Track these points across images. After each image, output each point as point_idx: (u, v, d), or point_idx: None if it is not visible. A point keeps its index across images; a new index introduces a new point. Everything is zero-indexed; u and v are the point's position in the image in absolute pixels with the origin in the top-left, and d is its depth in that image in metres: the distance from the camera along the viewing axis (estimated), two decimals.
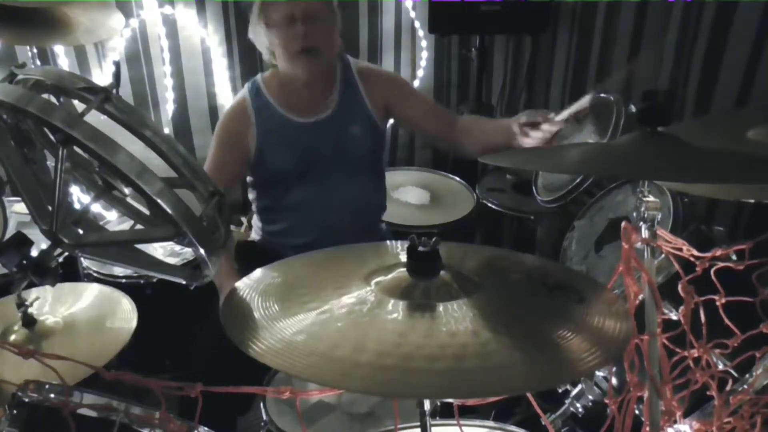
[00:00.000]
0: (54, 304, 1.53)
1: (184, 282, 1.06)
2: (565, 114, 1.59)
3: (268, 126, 1.83)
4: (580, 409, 1.40)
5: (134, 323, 1.47)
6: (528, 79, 3.14)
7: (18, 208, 2.11)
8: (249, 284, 0.97)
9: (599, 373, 1.38)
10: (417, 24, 3.05)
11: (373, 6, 2.96)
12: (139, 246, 1.15)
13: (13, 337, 1.42)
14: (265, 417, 1.39)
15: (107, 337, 1.45)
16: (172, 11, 2.74)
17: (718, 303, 1.02)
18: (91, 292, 1.61)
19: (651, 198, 1.00)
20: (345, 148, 1.87)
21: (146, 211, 1.11)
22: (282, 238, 1.93)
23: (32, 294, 1.44)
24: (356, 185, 1.91)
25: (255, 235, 2.03)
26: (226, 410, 1.58)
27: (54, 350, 1.35)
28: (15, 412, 0.92)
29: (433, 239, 0.91)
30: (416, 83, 3.17)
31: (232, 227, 1.89)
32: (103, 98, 0.89)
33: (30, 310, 1.43)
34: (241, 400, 1.72)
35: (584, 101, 1.57)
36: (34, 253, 0.92)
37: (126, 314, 1.52)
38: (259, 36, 1.81)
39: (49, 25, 2.10)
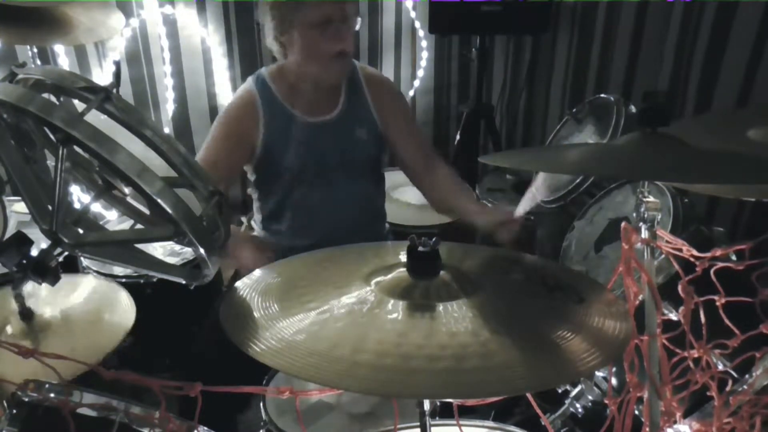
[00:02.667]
0: (51, 297, 1.52)
1: (184, 281, 1.06)
2: (521, 210, 1.61)
3: (276, 122, 1.81)
4: (579, 410, 1.39)
5: (132, 317, 1.46)
6: (528, 80, 3.14)
7: (18, 207, 2.11)
8: (249, 284, 0.97)
9: (599, 374, 1.38)
10: (417, 24, 3.05)
11: (373, 6, 2.97)
12: (139, 245, 1.14)
13: (10, 331, 1.41)
14: (264, 416, 1.39)
15: (106, 330, 1.43)
16: (173, 11, 2.74)
17: (718, 303, 1.02)
18: (87, 285, 1.60)
19: (651, 198, 1.00)
20: (350, 151, 1.86)
21: (146, 211, 1.11)
22: (285, 239, 1.92)
23: (28, 286, 1.43)
24: (359, 188, 1.91)
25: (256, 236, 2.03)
26: (225, 410, 1.58)
27: (52, 343, 1.35)
28: (14, 411, 0.92)
29: (433, 239, 0.91)
30: (416, 83, 3.17)
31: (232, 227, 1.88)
32: (104, 98, 0.89)
33: (28, 303, 1.42)
34: (241, 400, 1.71)
35: (533, 193, 1.61)
36: (34, 252, 0.92)
37: (124, 307, 1.51)
38: (284, 34, 1.74)
39: (50, 24, 2.11)
